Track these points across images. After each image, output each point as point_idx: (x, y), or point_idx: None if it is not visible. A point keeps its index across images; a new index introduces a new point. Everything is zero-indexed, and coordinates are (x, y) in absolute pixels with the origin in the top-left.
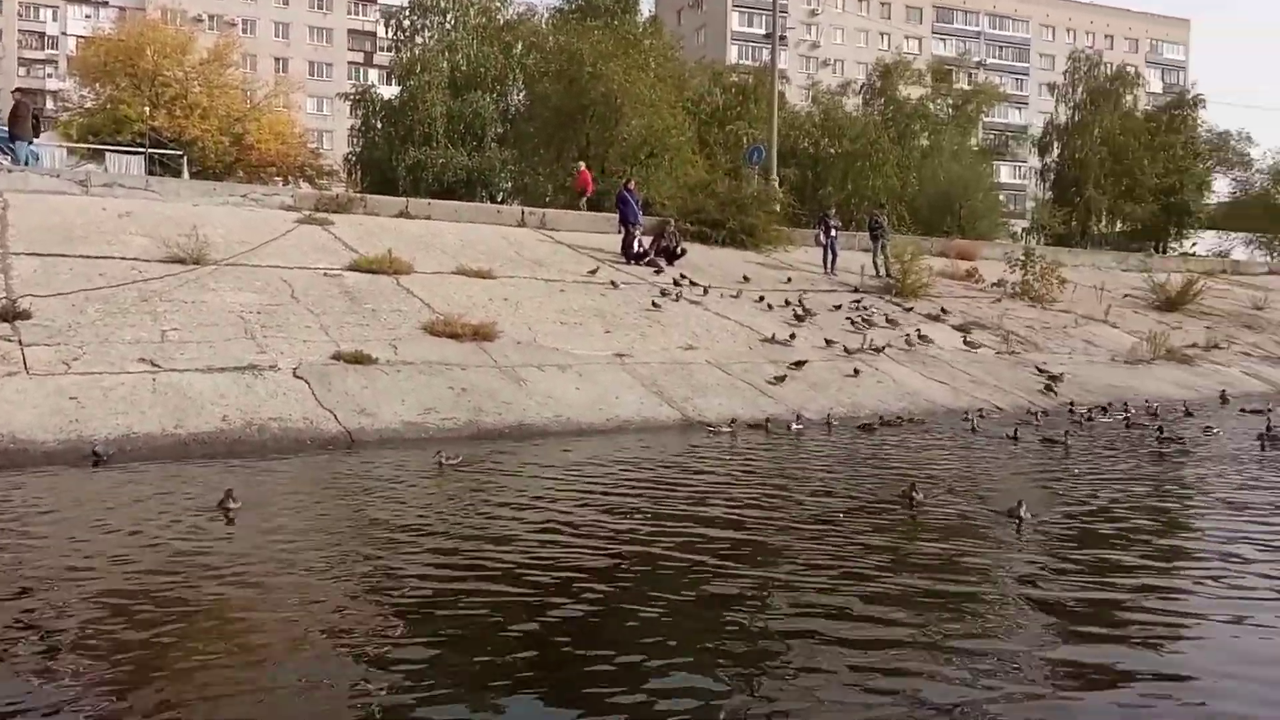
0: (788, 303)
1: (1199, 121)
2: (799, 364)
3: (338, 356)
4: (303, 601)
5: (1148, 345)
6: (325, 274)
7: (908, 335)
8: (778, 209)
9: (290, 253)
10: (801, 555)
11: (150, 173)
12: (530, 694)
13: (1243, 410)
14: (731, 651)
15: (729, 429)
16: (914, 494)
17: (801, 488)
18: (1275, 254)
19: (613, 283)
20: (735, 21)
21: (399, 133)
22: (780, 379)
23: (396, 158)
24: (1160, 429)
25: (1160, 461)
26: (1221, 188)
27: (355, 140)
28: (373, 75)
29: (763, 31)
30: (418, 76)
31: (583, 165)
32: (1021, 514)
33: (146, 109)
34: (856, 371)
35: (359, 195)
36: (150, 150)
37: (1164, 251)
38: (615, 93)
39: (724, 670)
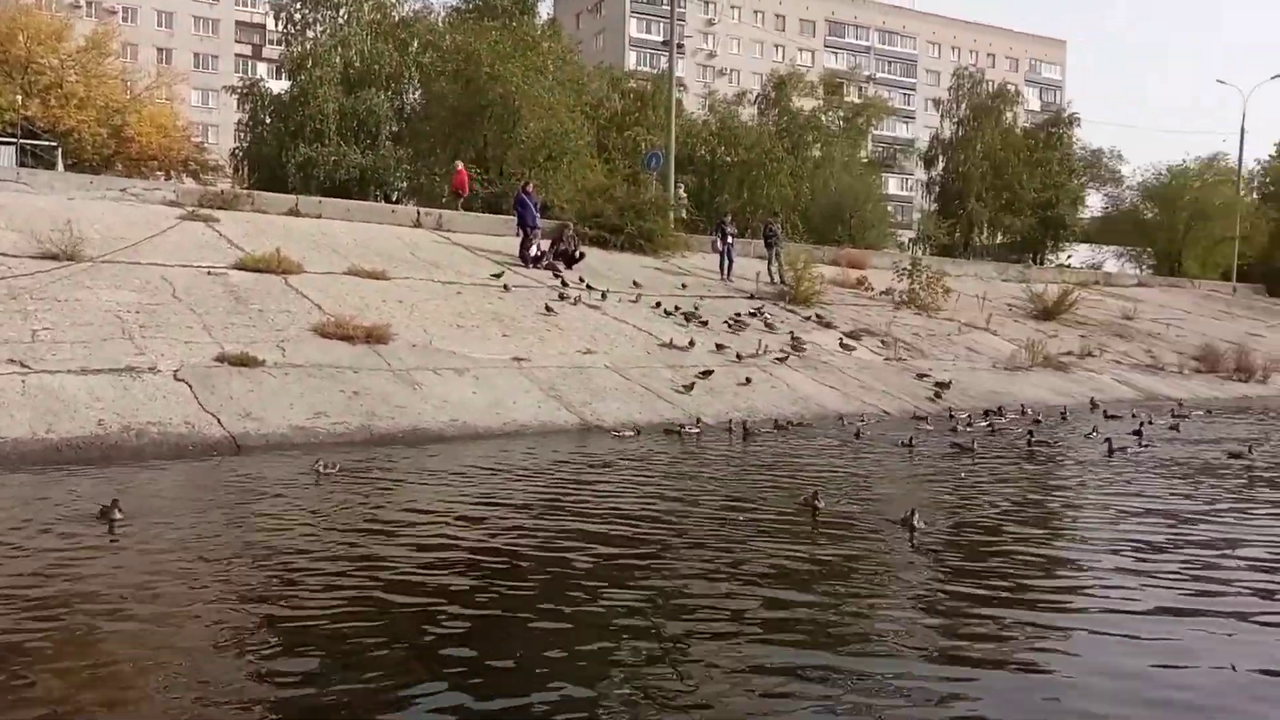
0: (681, 308)
1: (1074, 139)
2: (706, 373)
3: (222, 358)
4: (162, 630)
5: (1026, 353)
6: (209, 273)
7: (798, 341)
8: (684, 214)
9: (172, 250)
10: (696, 567)
11: (21, 164)
12: None
13: (1106, 415)
14: (617, 679)
15: (631, 433)
16: (816, 502)
17: (702, 495)
18: (1144, 267)
19: (506, 286)
20: (634, 28)
21: (289, 128)
22: (689, 387)
23: (286, 154)
24: (1030, 434)
25: (1039, 463)
26: (1095, 203)
27: (242, 135)
28: (261, 69)
29: (661, 39)
30: (309, 71)
31: (459, 164)
32: (915, 523)
33: (18, 98)
34: (749, 380)
35: (246, 192)
36: (22, 141)
37: (1041, 263)
38: (513, 94)
39: (608, 698)
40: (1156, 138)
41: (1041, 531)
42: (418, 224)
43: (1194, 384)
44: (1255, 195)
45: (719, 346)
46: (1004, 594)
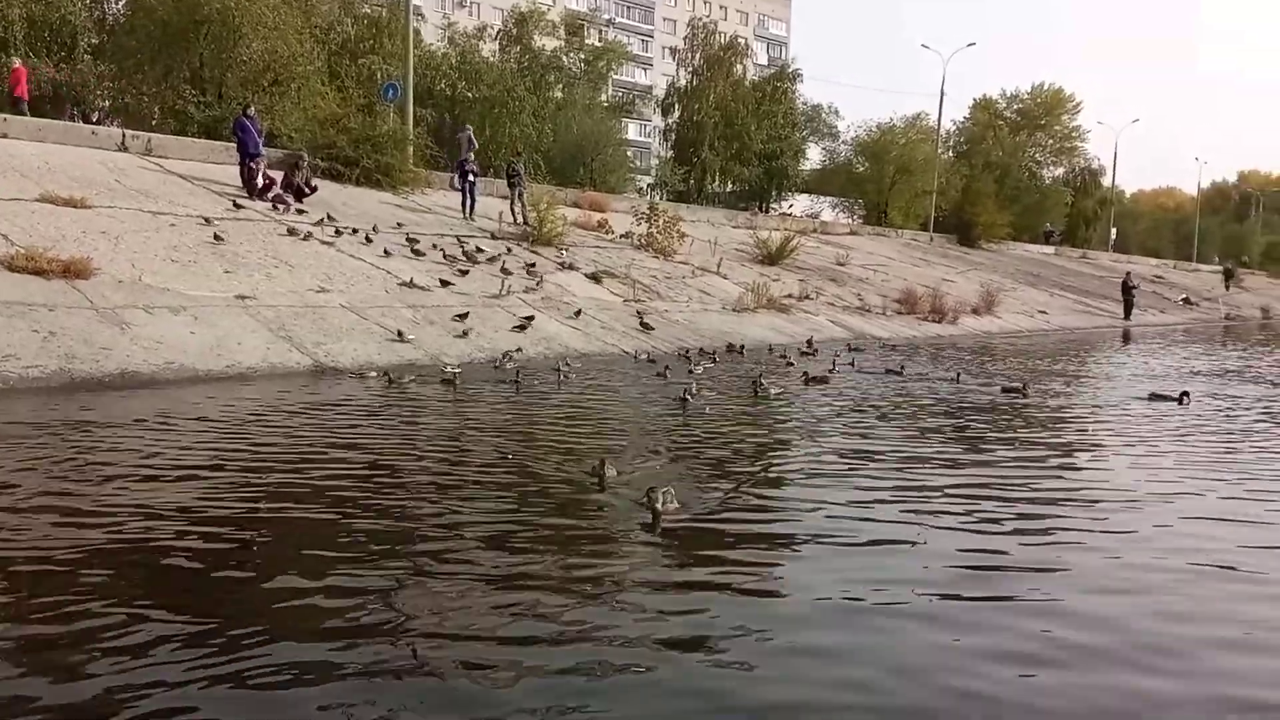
0: (421, 246)
1: (796, 94)
2: (463, 315)
3: None
4: None
5: (752, 295)
6: None
7: (541, 282)
8: (459, 152)
9: None
10: (387, 533)
11: None
12: None
13: (782, 356)
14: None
15: (374, 375)
16: (604, 470)
17: (441, 452)
18: (856, 216)
19: (207, 219)
20: None
21: None
22: (453, 326)
23: None
24: (756, 383)
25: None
26: (814, 155)
27: None
28: None
29: None
30: None
31: (18, 62)
32: (657, 506)
33: None
34: (492, 320)
35: None
36: None
37: (767, 211)
38: (232, 10)
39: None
40: (868, 96)
41: (788, 502)
42: (123, 147)
43: (896, 324)
44: (951, 153)
45: (444, 282)
46: (729, 578)
